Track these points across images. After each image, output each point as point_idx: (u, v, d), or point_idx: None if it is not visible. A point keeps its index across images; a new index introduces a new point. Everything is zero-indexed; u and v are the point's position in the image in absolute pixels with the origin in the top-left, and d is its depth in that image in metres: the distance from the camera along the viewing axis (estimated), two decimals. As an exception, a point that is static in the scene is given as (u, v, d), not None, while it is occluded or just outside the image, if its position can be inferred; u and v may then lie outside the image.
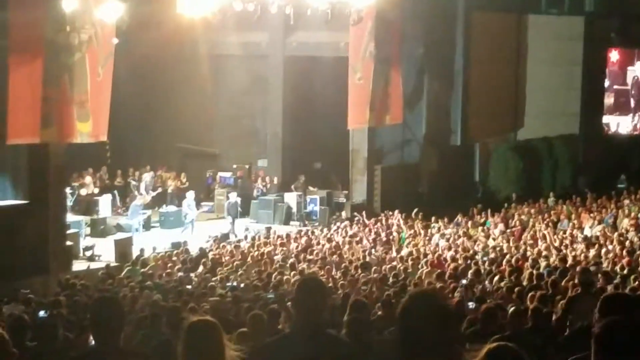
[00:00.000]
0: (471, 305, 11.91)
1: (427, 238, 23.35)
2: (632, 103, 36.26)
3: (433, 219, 25.75)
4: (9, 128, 19.36)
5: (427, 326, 4.10)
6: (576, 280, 13.11)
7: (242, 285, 16.42)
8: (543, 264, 17.50)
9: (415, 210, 26.24)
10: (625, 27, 35.13)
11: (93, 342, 5.41)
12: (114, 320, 5.22)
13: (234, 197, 27.92)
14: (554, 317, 10.63)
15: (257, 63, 30.96)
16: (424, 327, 4.11)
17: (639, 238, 20.59)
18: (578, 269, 14.99)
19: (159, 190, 29.55)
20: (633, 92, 36.25)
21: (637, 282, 14.07)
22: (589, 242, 20.81)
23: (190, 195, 27.23)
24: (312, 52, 30.21)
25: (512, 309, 9.31)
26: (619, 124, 36.10)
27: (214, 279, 17.54)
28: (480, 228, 24.57)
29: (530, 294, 12.58)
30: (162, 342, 7.78)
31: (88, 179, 28.39)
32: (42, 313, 12.23)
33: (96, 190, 28.34)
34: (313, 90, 30.50)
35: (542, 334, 8.80)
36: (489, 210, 26.78)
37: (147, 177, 29.63)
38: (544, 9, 34.91)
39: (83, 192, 27.73)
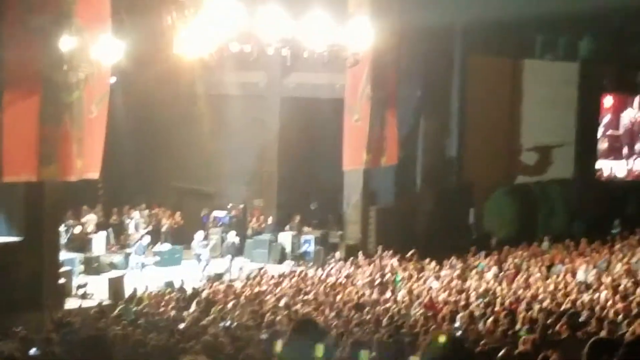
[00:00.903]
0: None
1: (422, 280, 23.33)
2: (625, 149, 36.48)
3: (427, 260, 25.74)
4: (4, 165, 19.41)
5: None
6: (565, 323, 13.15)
7: (235, 324, 16.38)
8: (537, 307, 17.49)
9: (412, 251, 26.25)
10: (619, 73, 35.47)
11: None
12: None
13: (232, 236, 27.90)
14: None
15: (254, 103, 31.10)
16: None
17: (633, 283, 20.58)
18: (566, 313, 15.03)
19: (150, 228, 29.57)
20: (625, 138, 36.50)
21: (630, 327, 14.07)
22: (582, 287, 20.81)
23: (199, 235, 27.22)
24: (309, 94, 30.37)
25: (503, 352, 9.32)
26: (612, 169, 36.27)
27: (207, 318, 17.48)
28: (474, 271, 24.56)
29: (523, 338, 12.61)
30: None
31: (90, 217, 28.40)
32: (33, 350, 12.17)
33: (93, 229, 28.32)
34: (309, 130, 30.65)
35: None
36: (484, 252, 26.81)
37: (137, 215, 29.66)
38: (538, 54, 35.18)
39: (77, 229, 27.70)
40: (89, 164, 21.65)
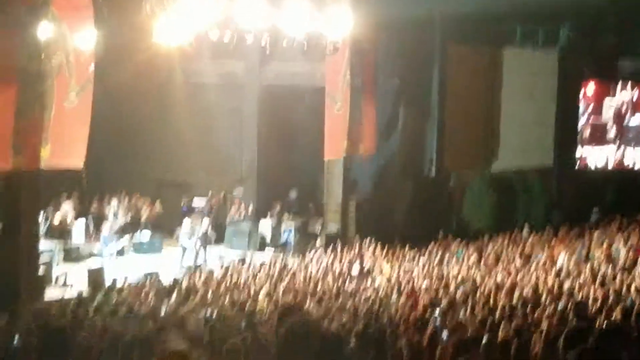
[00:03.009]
0: (444, 336, 11.92)
1: (401, 268, 23.37)
2: (613, 134, 36.63)
3: (406, 248, 25.81)
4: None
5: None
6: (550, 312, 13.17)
7: (215, 313, 16.34)
8: (516, 295, 17.54)
9: (391, 240, 26.32)
10: (600, 61, 35.58)
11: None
12: (58, 350, 5.16)
13: (205, 225, 27.78)
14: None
15: (233, 92, 31.01)
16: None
17: (612, 269, 20.71)
18: (571, 303, 15.04)
19: (128, 216, 29.48)
20: (614, 123, 36.62)
21: (610, 314, 14.13)
22: (562, 274, 20.90)
23: (185, 225, 27.06)
24: (288, 82, 30.32)
25: (485, 341, 9.32)
26: (593, 157, 36.43)
27: (186, 308, 17.44)
28: (454, 258, 24.64)
29: (503, 325, 12.64)
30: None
31: (68, 206, 28.25)
32: (16, 339, 12.11)
33: (70, 217, 28.17)
34: (289, 119, 30.62)
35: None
36: (463, 241, 26.91)
37: (114, 202, 29.55)
38: (518, 43, 35.19)
39: (56, 218, 27.54)
40: (65, 154, 21.49)
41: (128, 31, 23.78)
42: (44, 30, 20.05)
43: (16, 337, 13.15)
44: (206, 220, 28.10)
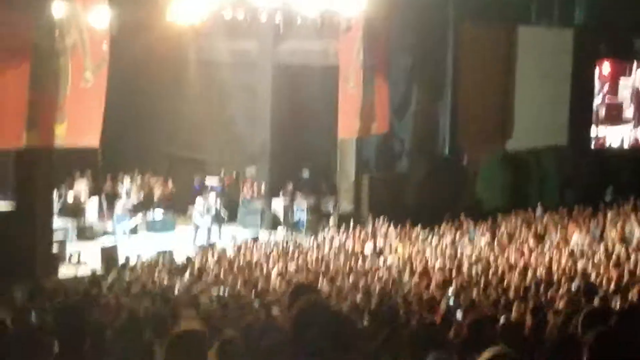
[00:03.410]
0: (458, 315, 11.91)
1: (415, 247, 23.33)
2: (629, 113, 36.42)
3: (419, 227, 25.73)
4: (-5, 133, 19.31)
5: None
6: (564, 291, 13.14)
7: (227, 292, 16.37)
8: (530, 275, 17.51)
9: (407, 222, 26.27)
10: (616, 39, 35.29)
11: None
12: (74, 329, 5.13)
13: (217, 203, 27.77)
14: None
15: (246, 70, 30.90)
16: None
17: (625, 250, 20.64)
18: (582, 283, 15.00)
19: (141, 195, 29.55)
20: (630, 103, 36.37)
21: (625, 294, 14.09)
22: (576, 254, 20.84)
23: (198, 204, 27.06)
24: (301, 61, 30.17)
25: (503, 320, 9.26)
26: (607, 137, 36.24)
27: (199, 286, 17.48)
28: (467, 238, 24.58)
29: (516, 305, 12.61)
30: (143, 351, 7.70)
31: (82, 184, 28.32)
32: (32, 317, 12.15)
33: (85, 196, 28.23)
34: (302, 98, 30.49)
35: (531, 347, 8.76)
36: (476, 221, 26.83)
37: (127, 181, 29.60)
38: (532, 21, 34.97)
39: (70, 196, 27.61)
40: (81, 132, 21.55)
41: (142, 9, 23.75)
42: (58, 7, 20.02)
43: (32, 314, 13.20)
44: (219, 199, 28.12)
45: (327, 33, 27.06)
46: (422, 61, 32.33)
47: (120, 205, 27.27)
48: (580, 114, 34.95)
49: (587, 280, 16.50)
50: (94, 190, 28.84)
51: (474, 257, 21.28)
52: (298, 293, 5.28)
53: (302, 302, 4.57)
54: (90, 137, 21.95)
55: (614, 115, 36.47)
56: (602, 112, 36.28)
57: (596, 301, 12.95)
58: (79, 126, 21.42)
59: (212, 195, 28.83)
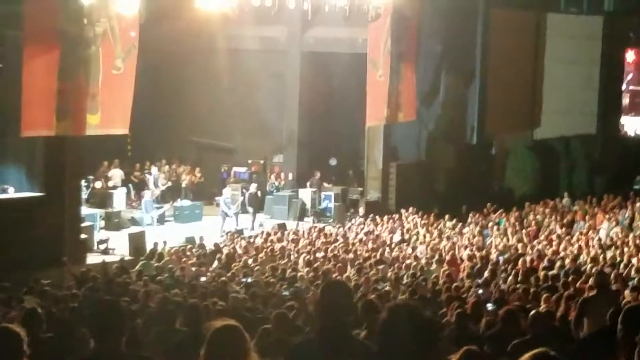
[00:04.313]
0: (489, 306, 11.83)
1: (443, 236, 23.26)
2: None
3: (447, 217, 25.64)
4: (23, 120, 19.38)
5: (405, 339, 4.27)
6: (591, 282, 13.01)
7: (255, 281, 16.38)
8: (558, 264, 17.40)
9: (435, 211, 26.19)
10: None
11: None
12: (115, 325, 5.15)
13: (253, 187, 27.79)
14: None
15: (275, 58, 30.88)
16: (402, 340, 4.27)
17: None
18: (594, 271, 14.87)
19: (169, 184, 29.65)
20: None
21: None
22: (604, 244, 20.69)
23: (226, 192, 27.05)
24: (329, 48, 30.11)
25: (534, 312, 9.19)
26: (630, 125, 35.97)
27: (228, 274, 17.49)
28: (495, 227, 24.47)
29: (545, 295, 12.54)
30: (179, 342, 7.73)
31: (116, 172, 28.48)
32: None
33: (118, 184, 28.35)
34: (330, 86, 30.45)
35: (562, 338, 8.71)
36: (504, 209, 26.72)
37: (155, 170, 29.68)
38: (563, 8, 34.72)
39: (98, 184, 27.74)
40: (113, 120, 21.65)
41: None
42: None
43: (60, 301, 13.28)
44: (246, 187, 28.14)
45: (355, 21, 26.98)
46: (451, 48, 32.19)
47: (148, 193, 27.36)
48: (610, 100, 34.69)
49: (617, 269, 16.40)
50: (123, 179, 28.97)
51: (502, 246, 21.18)
52: (331, 289, 5.30)
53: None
54: (120, 126, 22.04)
55: (637, 103, 36.19)
56: (626, 101, 36.00)
57: (627, 292, 12.86)
58: (111, 114, 21.53)
59: (239, 183, 28.86)
